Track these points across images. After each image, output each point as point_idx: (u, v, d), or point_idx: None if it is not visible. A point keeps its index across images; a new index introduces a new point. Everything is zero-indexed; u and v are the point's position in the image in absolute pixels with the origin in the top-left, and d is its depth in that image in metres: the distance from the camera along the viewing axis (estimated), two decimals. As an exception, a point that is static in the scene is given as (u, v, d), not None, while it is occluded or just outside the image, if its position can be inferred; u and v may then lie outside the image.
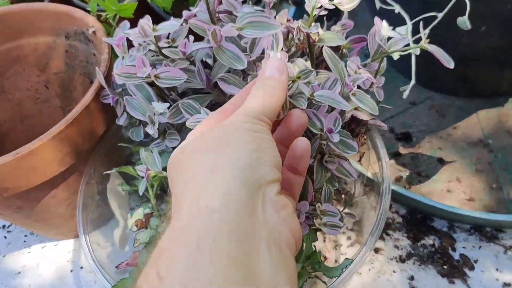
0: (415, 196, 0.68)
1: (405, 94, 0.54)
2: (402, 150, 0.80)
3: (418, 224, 0.72)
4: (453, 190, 0.74)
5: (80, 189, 0.60)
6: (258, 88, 0.37)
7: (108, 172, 0.59)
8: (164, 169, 0.61)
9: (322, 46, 0.49)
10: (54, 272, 0.75)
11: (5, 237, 0.80)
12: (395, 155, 0.80)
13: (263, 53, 0.51)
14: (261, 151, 0.32)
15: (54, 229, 0.72)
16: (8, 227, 0.81)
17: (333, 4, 0.48)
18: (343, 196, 0.72)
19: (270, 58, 0.41)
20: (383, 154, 0.58)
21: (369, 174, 0.66)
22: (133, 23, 0.57)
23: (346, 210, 0.60)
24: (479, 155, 0.78)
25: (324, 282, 0.49)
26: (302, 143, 0.39)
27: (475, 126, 0.82)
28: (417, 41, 0.58)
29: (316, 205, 0.47)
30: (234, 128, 0.34)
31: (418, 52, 0.52)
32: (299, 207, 0.48)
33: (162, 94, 0.59)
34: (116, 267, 0.52)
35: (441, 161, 0.78)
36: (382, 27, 0.48)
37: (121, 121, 0.59)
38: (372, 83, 0.52)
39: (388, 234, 0.72)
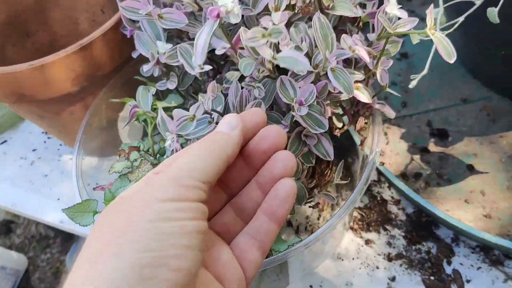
0: (422, 201, 0.63)
1: (413, 84, 0.49)
2: (432, 147, 0.74)
3: (421, 227, 0.67)
4: (472, 201, 0.67)
5: (89, 110, 0.64)
6: (199, 142, 0.32)
7: (114, 100, 0.62)
8: (165, 109, 0.63)
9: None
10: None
11: (45, 141, 0.89)
12: (422, 150, 0.74)
13: (267, 9, 0.49)
14: (162, 256, 0.25)
15: (73, 140, 0.79)
16: (49, 133, 0.90)
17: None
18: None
19: (226, 115, 0.35)
20: (376, 142, 0.54)
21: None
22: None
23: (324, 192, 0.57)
24: (517, 172, 0.69)
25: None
26: (285, 186, 0.34)
27: (525, 140, 0.72)
28: (451, 26, 0.52)
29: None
30: (141, 209, 0.27)
31: (437, 38, 0.46)
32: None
33: (180, 34, 0.60)
34: (94, 189, 0.56)
35: (471, 169, 0.71)
36: (390, 2, 0.44)
37: (135, 54, 0.61)
38: (378, 63, 0.48)
39: (385, 229, 0.68)
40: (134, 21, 0.61)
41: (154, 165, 0.55)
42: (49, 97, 0.62)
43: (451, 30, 0.50)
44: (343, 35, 0.45)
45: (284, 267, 0.63)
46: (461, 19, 0.51)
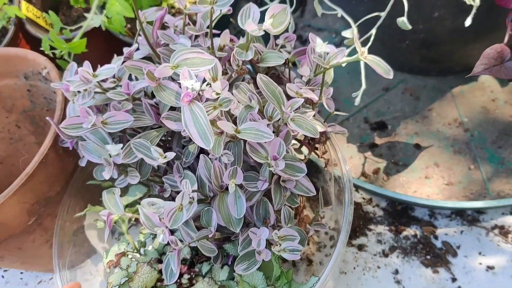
0: (392, 194, 0.67)
1: (357, 101, 0.53)
2: (378, 140, 0.79)
3: (399, 215, 0.72)
4: (431, 176, 0.73)
5: (55, 234, 0.61)
6: None
7: (78, 214, 0.60)
8: (132, 203, 0.62)
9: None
10: (52, 306, 0.77)
11: (3, 276, 0.82)
12: (371, 146, 0.79)
13: (205, 82, 0.50)
14: None
15: (43, 267, 0.74)
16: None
17: (264, 30, 0.47)
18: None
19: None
20: (344, 158, 0.58)
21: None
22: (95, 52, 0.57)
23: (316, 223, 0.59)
24: (455, 135, 0.77)
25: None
26: None
27: (450, 105, 0.80)
28: (368, 40, 0.57)
29: (273, 232, 0.47)
30: None
31: (371, 61, 0.50)
32: (259, 233, 0.49)
33: (118, 134, 0.59)
34: None
35: (418, 147, 0.77)
36: (316, 43, 0.47)
37: (83, 162, 0.59)
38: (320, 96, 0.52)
39: (370, 230, 0.72)
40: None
41: (148, 263, 0.54)
42: (6, 237, 0.58)
43: (369, 43, 0.55)
44: (288, 85, 0.48)
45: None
46: (373, 30, 0.56)
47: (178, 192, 0.52)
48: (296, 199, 0.53)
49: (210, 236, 0.50)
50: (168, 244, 0.61)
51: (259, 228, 0.49)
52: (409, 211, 0.72)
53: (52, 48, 0.75)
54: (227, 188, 0.51)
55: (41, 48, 0.77)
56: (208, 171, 0.50)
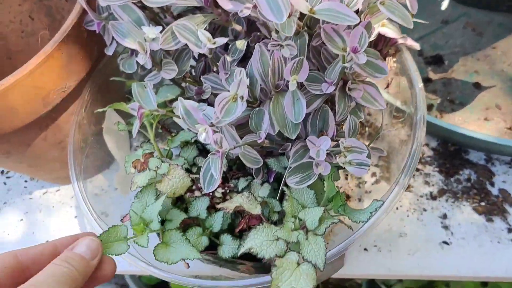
0: (449, 126, 0.59)
1: (444, 5, 0.45)
2: (433, 75, 0.71)
3: (452, 157, 0.64)
4: (491, 118, 0.65)
5: (71, 131, 0.54)
6: (54, 267, 0.32)
7: (100, 110, 0.52)
8: (161, 105, 0.54)
9: None
10: (57, 219, 0.70)
11: (5, 183, 0.76)
12: (424, 81, 0.71)
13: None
14: None
15: (51, 174, 0.67)
16: (7, 173, 0.77)
17: None
18: (367, 129, 0.65)
19: (86, 237, 0.37)
20: (416, 79, 0.50)
21: (398, 103, 0.57)
22: None
23: (371, 145, 0.52)
24: (522, 77, 0.68)
25: (350, 227, 0.43)
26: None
27: (517, 44, 0.71)
28: None
29: (339, 141, 0.40)
30: None
31: None
32: (319, 142, 0.41)
33: (155, 18, 0.51)
34: (121, 220, 0.47)
35: (478, 86, 0.69)
36: None
37: (110, 50, 0.51)
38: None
39: (417, 169, 0.64)
40: (100, 13, 0.51)
41: (182, 167, 0.47)
42: (17, 126, 0.50)
43: None
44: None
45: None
46: None
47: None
48: (360, 113, 0.46)
49: (259, 141, 0.42)
50: (199, 155, 0.53)
51: (315, 140, 0.42)
52: (462, 154, 0.64)
53: None
54: (283, 89, 0.43)
55: None
56: (263, 66, 0.42)
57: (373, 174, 0.65)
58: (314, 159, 0.41)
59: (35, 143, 0.56)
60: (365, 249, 0.60)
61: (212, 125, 0.41)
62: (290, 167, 0.43)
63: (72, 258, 0.33)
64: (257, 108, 0.42)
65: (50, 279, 0.31)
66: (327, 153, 0.41)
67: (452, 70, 0.71)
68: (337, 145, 0.42)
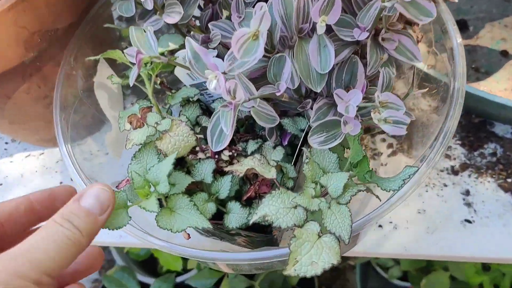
0: (483, 94, 0.53)
1: None
2: (456, 42, 0.65)
3: (476, 129, 0.59)
4: (519, 89, 0.60)
5: (57, 82, 0.47)
6: (56, 233, 0.27)
7: (92, 58, 0.46)
8: (169, 52, 0.48)
9: None
10: (41, 184, 0.64)
11: (-16, 145, 0.69)
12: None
13: None
14: None
15: (35, 134, 0.61)
16: (-14, 134, 0.70)
17: None
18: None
19: (95, 186, 0.30)
20: (454, 34, 0.44)
21: (427, 69, 0.52)
22: None
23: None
24: (552, 46, 0.63)
25: (377, 196, 0.37)
26: None
27: (548, 11, 0.66)
28: None
29: (375, 94, 0.34)
30: None
31: None
32: (348, 96, 0.36)
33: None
34: (117, 187, 0.41)
35: (505, 54, 0.63)
36: None
37: (105, -11, 0.45)
38: None
39: (437, 142, 0.59)
40: None
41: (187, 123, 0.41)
42: (-4, 72, 0.44)
43: None
44: None
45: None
46: None
47: (227, 47, 0.38)
48: (392, 68, 0.40)
49: (278, 94, 0.36)
50: (203, 113, 0.47)
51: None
52: (487, 126, 0.59)
53: None
54: (308, 33, 0.37)
55: None
56: (285, 6, 0.36)
57: (390, 145, 0.59)
58: (342, 115, 0.35)
59: (16, 95, 0.49)
60: (380, 226, 0.55)
61: (224, 73, 0.35)
62: (312, 126, 0.37)
63: (77, 216, 0.28)
64: (278, 55, 0.36)
65: (48, 244, 0.26)
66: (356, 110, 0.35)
67: (477, 36, 0.65)
68: (368, 101, 0.36)
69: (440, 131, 0.41)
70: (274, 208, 0.35)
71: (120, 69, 0.56)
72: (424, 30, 0.50)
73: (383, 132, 0.53)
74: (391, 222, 0.55)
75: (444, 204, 0.55)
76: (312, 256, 0.34)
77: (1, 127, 0.59)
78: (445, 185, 0.56)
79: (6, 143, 0.68)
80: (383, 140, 0.60)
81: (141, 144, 0.39)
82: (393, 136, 0.60)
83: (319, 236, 0.35)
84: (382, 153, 0.59)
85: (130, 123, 0.40)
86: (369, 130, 0.46)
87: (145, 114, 0.40)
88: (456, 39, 0.43)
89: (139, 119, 0.40)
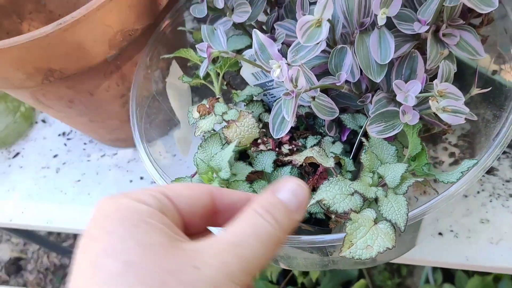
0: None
1: None
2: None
3: (546, 140, 0.57)
4: None
5: (134, 81, 0.52)
6: (259, 227, 0.24)
7: (166, 56, 0.50)
8: (235, 51, 0.51)
9: None
10: (113, 182, 0.69)
11: (65, 144, 0.76)
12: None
13: None
14: None
15: (111, 133, 0.66)
16: (68, 134, 0.77)
17: None
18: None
19: (291, 180, 0.26)
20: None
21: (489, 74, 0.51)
22: None
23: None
24: None
25: (434, 189, 0.37)
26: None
27: None
28: None
29: (434, 82, 0.35)
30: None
31: None
32: (408, 87, 0.36)
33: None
34: (192, 175, 0.44)
35: None
36: None
37: (181, -7, 0.49)
38: None
39: (504, 152, 0.57)
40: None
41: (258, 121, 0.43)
42: (83, 67, 0.49)
43: None
44: None
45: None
46: None
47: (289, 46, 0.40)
48: (453, 63, 0.40)
49: (338, 84, 0.38)
50: (265, 112, 0.50)
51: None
52: (559, 138, 0.57)
53: None
54: (368, 28, 0.38)
55: None
56: (347, 2, 0.38)
57: (452, 154, 0.58)
58: (401, 105, 0.36)
59: (98, 93, 0.54)
60: (440, 233, 0.54)
61: (287, 64, 0.37)
62: (371, 116, 0.38)
63: (277, 208, 0.25)
64: (339, 46, 0.38)
65: (253, 240, 0.23)
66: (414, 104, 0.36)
67: (548, 48, 0.63)
68: (427, 93, 0.37)
69: (498, 132, 0.41)
70: (331, 194, 0.36)
71: (190, 74, 0.60)
72: (489, 34, 0.50)
73: (444, 134, 0.53)
74: (452, 231, 0.54)
75: (509, 215, 0.53)
76: (367, 240, 0.34)
77: (83, 125, 0.64)
78: (511, 196, 0.54)
79: (85, 143, 0.75)
80: (445, 149, 0.59)
81: (208, 131, 0.42)
82: (456, 145, 0.59)
83: (375, 223, 0.35)
84: (443, 162, 0.58)
85: (199, 112, 0.43)
86: (428, 130, 0.46)
87: (212, 104, 0.43)
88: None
89: (207, 109, 0.43)
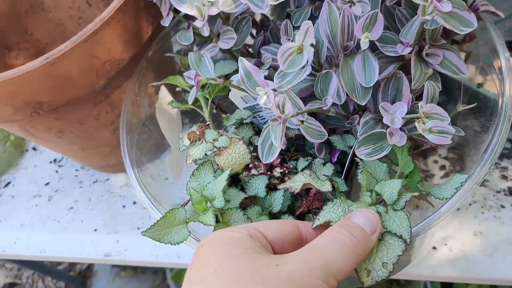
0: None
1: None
2: (509, 64, 0.65)
3: (533, 150, 0.58)
4: None
5: (124, 108, 0.52)
6: (337, 236, 0.29)
7: (155, 83, 0.50)
8: (223, 76, 0.52)
9: None
10: (106, 208, 0.69)
11: (57, 171, 0.75)
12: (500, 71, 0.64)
13: None
14: None
15: (101, 160, 0.66)
16: (59, 161, 0.76)
17: None
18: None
19: (363, 209, 0.33)
20: (502, 51, 0.44)
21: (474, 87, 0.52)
22: None
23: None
24: None
25: (430, 202, 0.38)
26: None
27: None
28: None
29: (419, 103, 0.35)
30: None
31: None
32: (394, 109, 0.37)
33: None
34: (183, 205, 0.44)
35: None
36: None
37: (167, 21, 0.49)
38: None
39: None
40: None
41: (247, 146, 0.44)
42: (72, 98, 0.49)
43: None
44: None
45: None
46: None
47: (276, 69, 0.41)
48: (437, 83, 0.41)
49: (325, 108, 0.38)
50: (255, 135, 0.50)
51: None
52: (546, 147, 0.58)
53: None
54: (353, 51, 0.39)
55: None
56: (331, 26, 0.39)
57: (442, 167, 0.59)
58: (388, 127, 0.37)
59: (87, 122, 0.55)
60: (434, 248, 0.54)
61: (274, 90, 0.38)
62: (359, 138, 0.38)
63: (353, 228, 0.29)
64: (324, 71, 0.38)
65: (332, 245, 0.28)
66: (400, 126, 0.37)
67: (531, 58, 0.64)
68: (413, 112, 0.37)
69: (487, 147, 0.41)
70: (335, 215, 0.36)
71: (180, 99, 0.61)
72: (472, 49, 0.51)
73: (433, 149, 0.53)
74: (446, 244, 0.54)
75: (502, 226, 0.53)
76: (381, 258, 0.34)
77: (74, 153, 0.64)
78: (502, 207, 0.55)
79: (77, 169, 0.74)
80: (436, 162, 0.60)
81: (199, 159, 0.42)
82: (446, 158, 0.60)
83: (379, 240, 0.35)
84: (434, 175, 0.59)
85: (189, 139, 0.43)
86: (418, 147, 0.47)
87: (203, 131, 0.43)
88: (504, 55, 0.44)
89: (197, 136, 0.43)
